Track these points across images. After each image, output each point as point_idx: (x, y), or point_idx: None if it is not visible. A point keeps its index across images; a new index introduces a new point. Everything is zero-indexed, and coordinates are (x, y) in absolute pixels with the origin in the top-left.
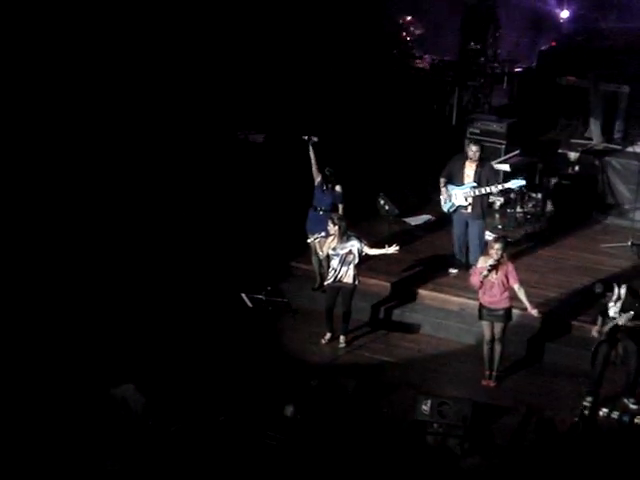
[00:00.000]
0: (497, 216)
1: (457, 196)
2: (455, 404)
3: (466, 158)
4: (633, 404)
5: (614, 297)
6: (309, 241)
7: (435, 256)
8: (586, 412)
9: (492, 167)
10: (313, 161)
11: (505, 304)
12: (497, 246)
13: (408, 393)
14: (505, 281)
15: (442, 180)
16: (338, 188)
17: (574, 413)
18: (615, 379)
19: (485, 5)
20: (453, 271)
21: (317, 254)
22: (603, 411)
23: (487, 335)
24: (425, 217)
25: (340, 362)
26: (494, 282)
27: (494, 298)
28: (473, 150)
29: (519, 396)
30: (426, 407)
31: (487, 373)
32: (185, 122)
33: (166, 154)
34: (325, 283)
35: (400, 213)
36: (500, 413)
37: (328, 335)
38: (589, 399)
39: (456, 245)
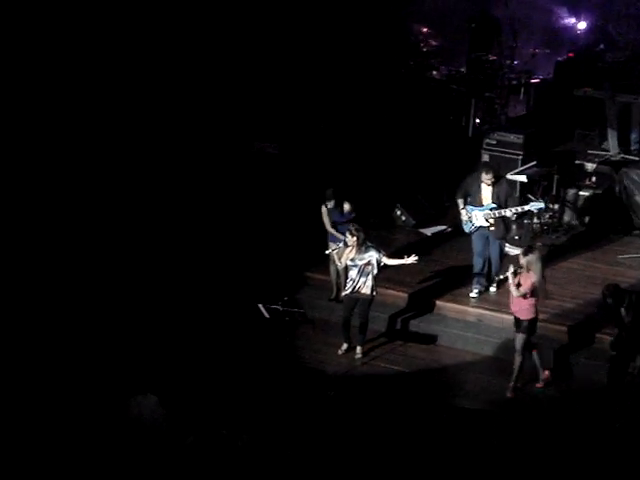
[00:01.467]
0: (514, 227)
1: (477, 217)
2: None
3: (481, 181)
4: None
5: (625, 305)
6: (328, 252)
7: (452, 267)
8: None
9: (509, 185)
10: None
11: (526, 315)
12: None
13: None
14: (529, 291)
15: (460, 201)
16: (347, 206)
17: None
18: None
19: (489, 17)
20: (474, 294)
21: (335, 264)
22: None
23: (515, 345)
24: (441, 227)
25: (356, 373)
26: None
27: (516, 307)
28: (487, 178)
29: (534, 408)
30: None
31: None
32: (202, 132)
33: (182, 163)
34: (343, 294)
35: (417, 223)
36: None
37: (345, 346)
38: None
39: (478, 263)
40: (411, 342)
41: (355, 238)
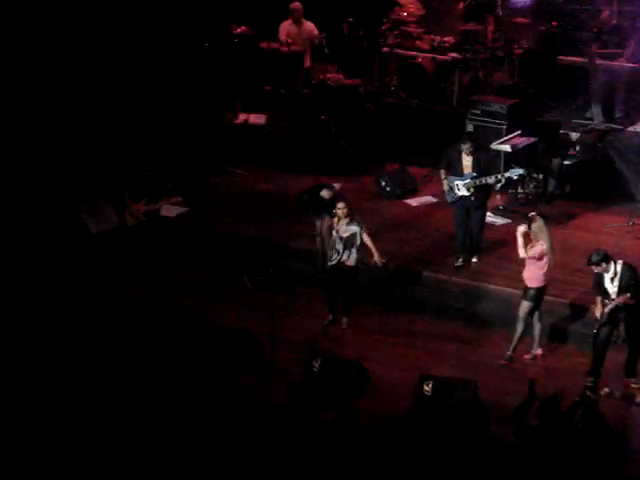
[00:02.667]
0: (498, 197)
1: (459, 187)
2: (458, 385)
3: (462, 151)
4: (634, 383)
5: (610, 274)
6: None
7: (437, 237)
8: (588, 392)
9: (489, 155)
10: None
11: (536, 283)
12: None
13: (410, 373)
14: (537, 259)
15: (442, 172)
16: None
17: (577, 393)
18: (617, 358)
19: None
20: (459, 264)
21: (321, 235)
22: (605, 390)
23: (519, 312)
24: (426, 198)
25: (343, 343)
26: (527, 258)
27: (528, 273)
28: (466, 147)
29: (521, 377)
30: (428, 388)
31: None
32: None
33: None
34: (328, 264)
35: (401, 194)
36: (503, 394)
37: (330, 317)
38: (591, 379)
39: (459, 235)
40: (397, 311)
41: (346, 209)
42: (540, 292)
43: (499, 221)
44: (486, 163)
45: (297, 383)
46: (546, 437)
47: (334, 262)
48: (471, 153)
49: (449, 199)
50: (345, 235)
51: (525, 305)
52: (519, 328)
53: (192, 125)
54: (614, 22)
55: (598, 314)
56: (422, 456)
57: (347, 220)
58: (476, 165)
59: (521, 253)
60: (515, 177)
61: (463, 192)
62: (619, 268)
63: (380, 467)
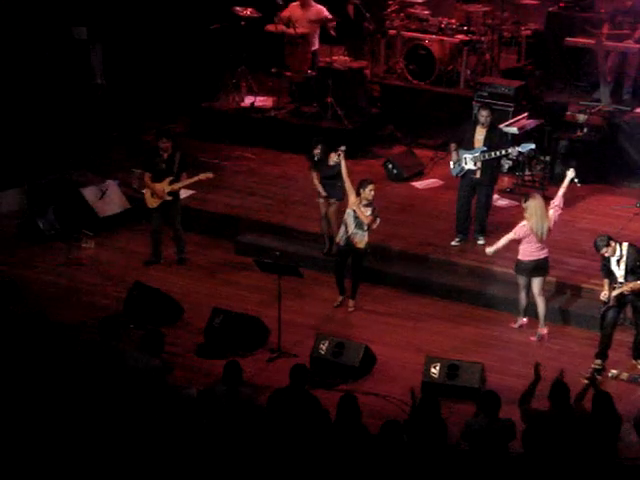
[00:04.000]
0: (505, 179)
1: (467, 160)
2: (465, 367)
3: (476, 123)
4: None
5: (617, 256)
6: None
7: (443, 219)
8: (596, 374)
9: (502, 131)
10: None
11: (522, 257)
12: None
13: (416, 355)
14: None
15: (452, 145)
16: (334, 157)
17: (584, 375)
18: (624, 341)
19: None
20: (456, 243)
21: (326, 218)
22: (612, 373)
23: (534, 290)
24: (432, 180)
25: (349, 326)
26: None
27: (530, 249)
28: (484, 115)
29: (528, 359)
30: (435, 370)
31: (513, 325)
32: None
33: None
34: (337, 242)
35: (408, 177)
36: (510, 376)
37: (340, 298)
38: (598, 362)
39: (460, 212)
40: (403, 294)
41: (373, 192)
42: (529, 265)
43: (506, 203)
44: (498, 140)
45: (302, 365)
46: (555, 421)
47: (342, 240)
48: (486, 124)
49: (455, 172)
50: (361, 216)
51: (539, 281)
52: (541, 304)
53: (197, 107)
54: (630, 3)
55: (605, 296)
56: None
57: (367, 202)
58: (488, 140)
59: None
60: (525, 152)
61: (470, 165)
62: (625, 250)
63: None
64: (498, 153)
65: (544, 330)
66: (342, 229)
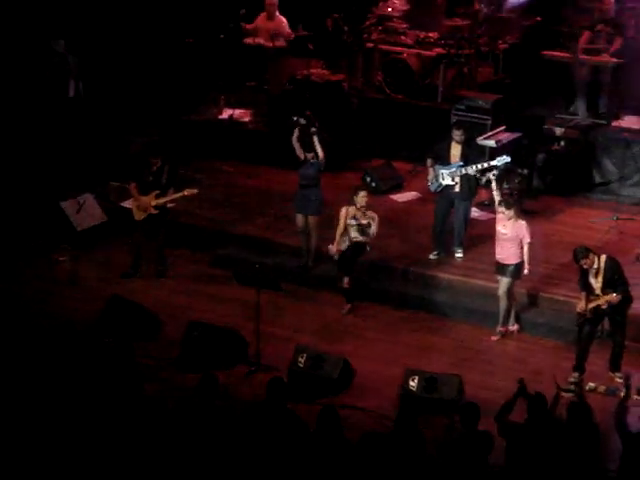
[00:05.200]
0: (483, 192)
1: (444, 176)
2: (444, 380)
3: (452, 139)
4: (619, 378)
5: (594, 268)
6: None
7: (422, 233)
8: (573, 387)
9: (478, 146)
10: (297, 143)
11: (513, 259)
12: (500, 209)
13: (394, 368)
14: (516, 237)
15: (429, 160)
16: (320, 152)
17: (562, 388)
18: (602, 353)
19: None
20: (433, 257)
21: (304, 231)
22: (590, 385)
23: (499, 290)
24: (412, 194)
25: (327, 339)
26: (508, 238)
27: (505, 252)
28: (458, 134)
29: (503, 372)
30: (413, 383)
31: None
32: None
33: None
34: (338, 250)
35: (386, 190)
36: (485, 388)
37: (348, 306)
38: (576, 374)
39: (437, 226)
40: (381, 307)
41: (365, 197)
42: (519, 268)
43: (483, 216)
44: (474, 155)
45: (279, 378)
46: (533, 434)
47: (345, 246)
48: (461, 142)
49: (432, 188)
50: (364, 222)
51: (506, 282)
52: (503, 305)
53: (177, 120)
54: (611, 14)
55: (582, 309)
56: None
57: (365, 209)
58: (464, 155)
59: (496, 196)
60: (500, 165)
61: (447, 181)
62: (602, 263)
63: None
64: (474, 168)
65: (515, 326)
66: (346, 239)
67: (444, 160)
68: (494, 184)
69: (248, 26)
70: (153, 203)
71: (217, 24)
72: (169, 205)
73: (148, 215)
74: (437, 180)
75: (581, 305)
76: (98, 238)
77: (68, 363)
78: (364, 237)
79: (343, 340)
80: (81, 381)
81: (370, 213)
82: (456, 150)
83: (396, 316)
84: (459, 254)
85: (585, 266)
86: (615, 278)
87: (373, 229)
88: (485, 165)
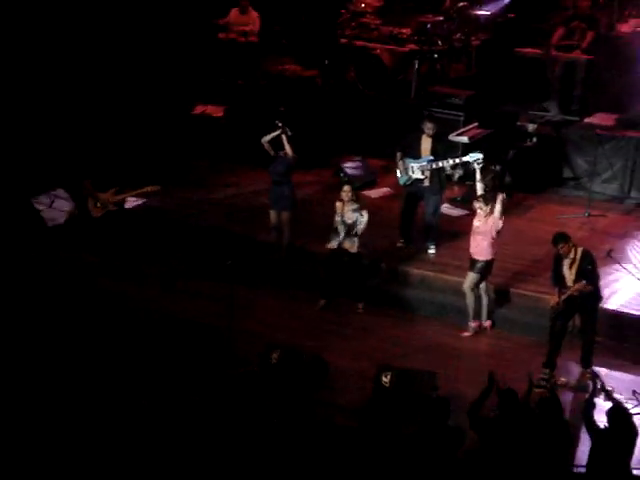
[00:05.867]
0: (455, 188)
1: (414, 169)
2: (417, 376)
3: (422, 132)
4: (589, 373)
5: (569, 259)
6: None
7: (395, 228)
8: (544, 383)
9: (449, 140)
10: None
11: (484, 256)
12: (478, 204)
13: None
14: (488, 232)
15: (398, 154)
16: (289, 150)
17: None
18: (573, 349)
19: None
20: (400, 244)
21: (278, 228)
22: (561, 381)
23: (464, 285)
24: (384, 190)
25: (300, 334)
26: (480, 231)
27: (477, 247)
28: (429, 127)
29: (475, 366)
30: (386, 379)
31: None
32: None
33: None
34: (329, 245)
35: (360, 186)
36: (458, 383)
37: (323, 301)
38: (547, 370)
39: (403, 221)
40: (353, 302)
41: (349, 193)
42: (489, 265)
43: (456, 212)
44: (444, 148)
45: (253, 371)
46: (504, 429)
47: (334, 246)
48: (432, 135)
49: (402, 181)
50: (349, 221)
51: (472, 277)
52: (470, 300)
53: (150, 116)
54: (586, 11)
55: (554, 304)
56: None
57: (354, 207)
58: (434, 149)
59: (479, 188)
60: (472, 161)
61: (417, 175)
62: (579, 255)
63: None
64: (445, 162)
65: (487, 323)
66: (333, 235)
67: (414, 153)
68: (478, 175)
69: (221, 21)
70: (111, 200)
71: (189, 20)
72: (135, 202)
73: (106, 212)
74: (407, 173)
75: (554, 299)
76: (69, 233)
77: None
78: (351, 241)
79: (316, 336)
80: None
81: (357, 211)
82: (427, 144)
83: (369, 312)
84: (432, 250)
85: (561, 251)
86: (589, 270)
87: (360, 227)
88: (457, 160)
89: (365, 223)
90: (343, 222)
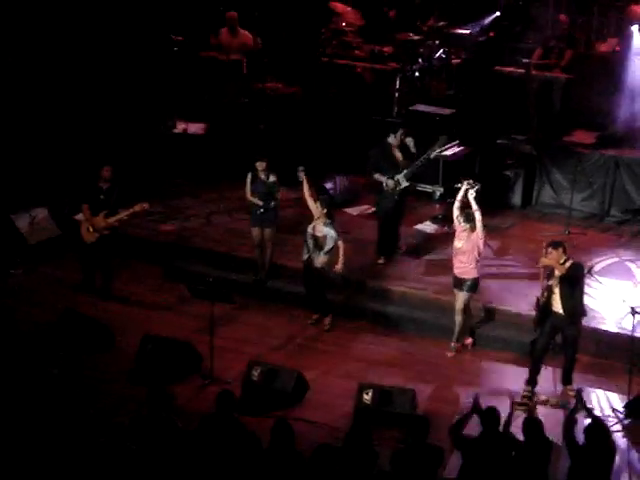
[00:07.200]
0: (437, 206)
1: (401, 181)
2: (397, 394)
3: (392, 146)
4: (570, 390)
5: (559, 268)
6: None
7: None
8: (525, 400)
9: (414, 142)
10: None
11: (471, 274)
12: (461, 219)
13: (348, 381)
14: (472, 250)
15: (377, 175)
16: (273, 177)
17: (515, 402)
18: (555, 367)
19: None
20: (381, 261)
21: (260, 247)
22: (542, 399)
23: (456, 304)
24: (364, 207)
25: (280, 352)
26: (464, 251)
27: (461, 267)
28: (399, 134)
29: (454, 384)
30: (367, 396)
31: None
32: None
33: None
34: (303, 258)
35: (342, 203)
36: (439, 401)
37: (315, 316)
38: (528, 388)
39: (391, 232)
40: (336, 319)
41: (324, 210)
42: (476, 283)
43: (438, 230)
44: (414, 146)
45: (228, 391)
46: (486, 448)
47: (305, 257)
48: (399, 145)
49: (396, 197)
50: (318, 235)
51: (463, 296)
52: (459, 320)
53: (131, 134)
54: (564, 31)
55: (536, 315)
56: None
57: (325, 221)
58: (407, 151)
59: (456, 207)
60: (437, 150)
61: (404, 184)
62: (567, 265)
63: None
64: (421, 161)
65: (469, 340)
66: (304, 248)
67: (392, 168)
68: (461, 195)
69: (213, 41)
70: (103, 224)
71: (171, 37)
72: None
73: (100, 237)
74: (399, 186)
75: (533, 318)
76: (50, 252)
77: (16, 375)
78: (319, 255)
79: (298, 353)
80: (28, 395)
81: (328, 226)
82: (398, 153)
83: (351, 329)
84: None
85: (548, 255)
86: (575, 283)
87: (329, 244)
88: (430, 153)
89: (334, 241)
90: (313, 235)
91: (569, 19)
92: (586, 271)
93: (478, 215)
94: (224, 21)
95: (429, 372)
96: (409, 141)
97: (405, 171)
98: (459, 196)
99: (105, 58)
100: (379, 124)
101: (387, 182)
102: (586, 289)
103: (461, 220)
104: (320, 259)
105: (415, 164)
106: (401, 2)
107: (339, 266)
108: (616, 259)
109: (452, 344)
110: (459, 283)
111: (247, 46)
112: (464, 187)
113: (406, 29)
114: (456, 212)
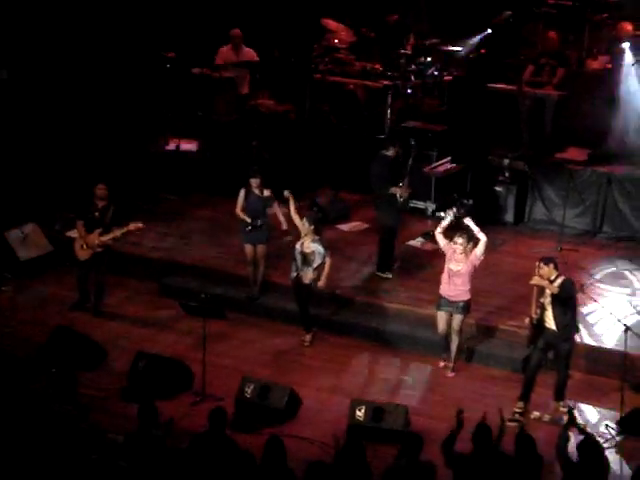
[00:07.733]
0: (429, 222)
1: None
2: (390, 410)
3: (389, 158)
4: (563, 407)
5: (551, 285)
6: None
7: (367, 262)
8: (518, 417)
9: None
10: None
11: (465, 296)
12: (460, 241)
13: (341, 397)
14: (469, 273)
15: (393, 189)
16: (267, 192)
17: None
18: (547, 383)
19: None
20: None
21: (254, 262)
22: (535, 415)
23: (440, 326)
24: (356, 224)
25: (272, 368)
26: (460, 272)
27: (457, 290)
28: (394, 149)
29: (449, 401)
30: (360, 413)
31: (442, 364)
32: None
33: None
34: (291, 276)
35: (333, 219)
36: (431, 418)
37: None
38: (521, 404)
39: (389, 252)
40: (326, 336)
41: (312, 226)
42: (468, 304)
43: (428, 246)
44: (403, 155)
45: (220, 408)
46: (478, 465)
47: (293, 275)
48: (398, 154)
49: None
50: (306, 251)
51: (460, 319)
52: (456, 341)
53: (123, 151)
54: (555, 48)
55: (529, 322)
56: None
57: (313, 238)
58: (404, 164)
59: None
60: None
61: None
62: (559, 281)
63: None
64: (410, 161)
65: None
66: (293, 265)
67: (398, 177)
68: (472, 224)
69: (218, 61)
70: (97, 242)
71: (163, 54)
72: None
73: (93, 254)
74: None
75: (527, 319)
76: (42, 268)
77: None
78: (306, 271)
79: (290, 370)
80: (21, 412)
81: (317, 242)
82: (395, 166)
83: (343, 345)
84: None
85: (540, 270)
86: (568, 300)
87: (317, 260)
88: (412, 144)
89: (323, 257)
90: (301, 252)
91: (560, 36)
92: (578, 288)
93: (483, 237)
94: (218, 37)
95: (422, 388)
96: (390, 151)
97: (405, 181)
98: (444, 224)
99: (98, 75)
100: (371, 141)
101: (402, 194)
102: (577, 305)
103: (459, 241)
104: (309, 275)
105: (406, 173)
106: (377, 24)
107: (322, 282)
108: (613, 269)
109: (451, 364)
110: (453, 306)
111: (251, 64)
112: (449, 218)
113: (398, 46)
114: (441, 238)
